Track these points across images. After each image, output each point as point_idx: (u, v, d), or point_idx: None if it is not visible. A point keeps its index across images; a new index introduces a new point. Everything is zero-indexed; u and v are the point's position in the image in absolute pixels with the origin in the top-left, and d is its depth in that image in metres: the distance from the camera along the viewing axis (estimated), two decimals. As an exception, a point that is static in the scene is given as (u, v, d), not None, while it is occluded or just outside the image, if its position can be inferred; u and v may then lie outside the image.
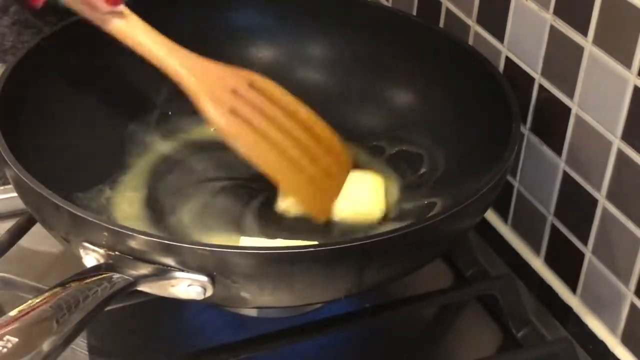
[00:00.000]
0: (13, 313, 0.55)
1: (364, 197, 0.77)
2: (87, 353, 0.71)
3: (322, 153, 0.77)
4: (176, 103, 0.86)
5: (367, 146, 0.84)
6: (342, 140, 0.79)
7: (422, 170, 0.81)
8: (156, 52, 0.73)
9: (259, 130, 0.75)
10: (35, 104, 0.76)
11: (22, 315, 0.55)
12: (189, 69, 0.74)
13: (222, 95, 0.74)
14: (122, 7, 0.73)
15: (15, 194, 0.68)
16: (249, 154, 0.74)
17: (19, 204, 0.70)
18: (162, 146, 0.84)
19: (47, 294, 0.57)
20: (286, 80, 0.87)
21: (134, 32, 0.73)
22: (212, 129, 0.86)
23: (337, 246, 0.61)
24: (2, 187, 0.83)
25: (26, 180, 0.64)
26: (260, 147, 0.74)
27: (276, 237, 0.73)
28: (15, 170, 0.64)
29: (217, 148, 0.84)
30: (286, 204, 0.77)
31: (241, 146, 0.74)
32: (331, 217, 0.76)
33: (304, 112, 0.78)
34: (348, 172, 0.79)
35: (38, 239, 0.76)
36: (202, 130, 0.86)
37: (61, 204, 0.62)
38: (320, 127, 0.78)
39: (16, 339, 0.53)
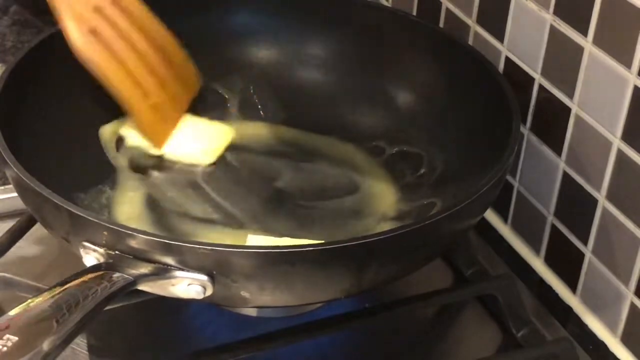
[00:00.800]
0: (13, 313, 0.55)
1: (197, 143, 0.79)
2: (87, 353, 0.71)
3: (171, 78, 0.78)
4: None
5: (366, 146, 0.84)
6: (194, 67, 0.80)
7: (422, 170, 0.81)
8: None
9: (115, 53, 0.74)
10: (35, 104, 0.76)
11: (22, 315, 0.55)
12: None
13: (84, 12, 0.72)
14: None
15: (15, 194, 0.68)
16: (101, 75, 0.74)
17: (19, 204, 0.70)
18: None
19: (46, 294, 0.57)
20: (286, 80, 0.87)
21: None
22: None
23: (337, 246, 0.61)
24: (2, 187, 0.83)
25: (26, 180, 0.63)
26: (113, 69, 0.74)
27: (282, 236, 0.73)
28: (15, 170, 0.64)
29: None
30: (126, 131, 0.79)
31: (94, 67, 0.73)
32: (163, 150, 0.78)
33: (160, 33, 0.78)
34: (192, 95, 0.80)
35: (38, 239, 0.76)
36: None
37: (61, 204, 0.62)
38: (174, 50, 0.79)
39: (16, 338, 0.53)
